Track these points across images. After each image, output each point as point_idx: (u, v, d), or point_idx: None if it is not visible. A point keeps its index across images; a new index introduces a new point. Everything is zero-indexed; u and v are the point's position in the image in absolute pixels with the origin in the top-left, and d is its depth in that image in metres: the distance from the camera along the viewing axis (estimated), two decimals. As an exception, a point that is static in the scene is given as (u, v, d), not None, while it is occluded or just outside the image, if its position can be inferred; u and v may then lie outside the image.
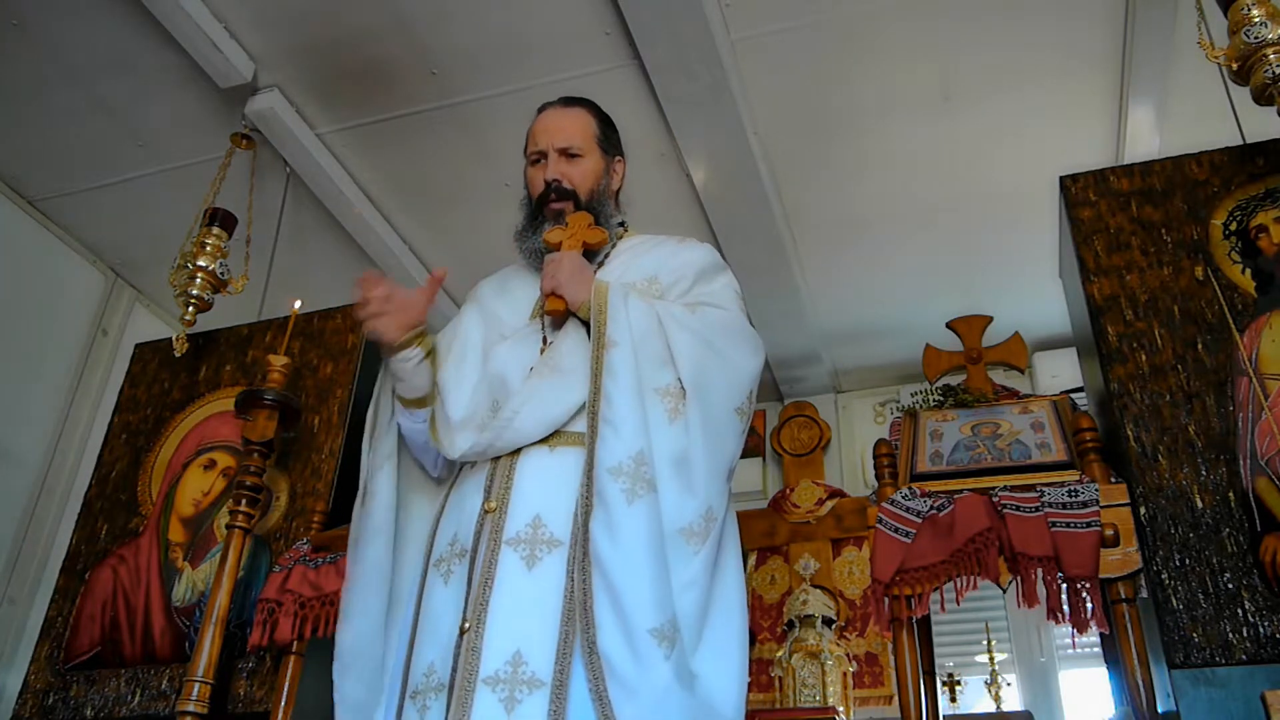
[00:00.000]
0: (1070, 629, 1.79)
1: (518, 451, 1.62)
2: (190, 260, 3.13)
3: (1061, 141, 3.50)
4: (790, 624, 3.00)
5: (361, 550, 1.74)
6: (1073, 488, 1.90)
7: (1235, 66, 2.04)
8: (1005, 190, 3.76)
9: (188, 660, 2.52)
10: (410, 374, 1.76)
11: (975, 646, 4.22)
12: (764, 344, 1.77)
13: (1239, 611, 1.75)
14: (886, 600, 1.95)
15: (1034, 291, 4.10)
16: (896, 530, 1.98)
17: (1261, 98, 2.00)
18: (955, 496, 1.98)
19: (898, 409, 4.71)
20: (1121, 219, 2.24)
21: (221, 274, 3.16)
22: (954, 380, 2.56)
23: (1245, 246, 2.11)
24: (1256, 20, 1.99)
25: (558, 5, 3.08)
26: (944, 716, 3.34)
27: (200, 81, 3.34)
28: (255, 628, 2.41)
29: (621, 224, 1.94)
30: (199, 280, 3.12)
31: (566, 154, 1.87)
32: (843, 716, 2.76)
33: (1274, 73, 1.95)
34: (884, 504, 2.02)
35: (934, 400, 2.47)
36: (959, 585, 1.90)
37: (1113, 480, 1.95)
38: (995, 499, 1.93)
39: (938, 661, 2.51)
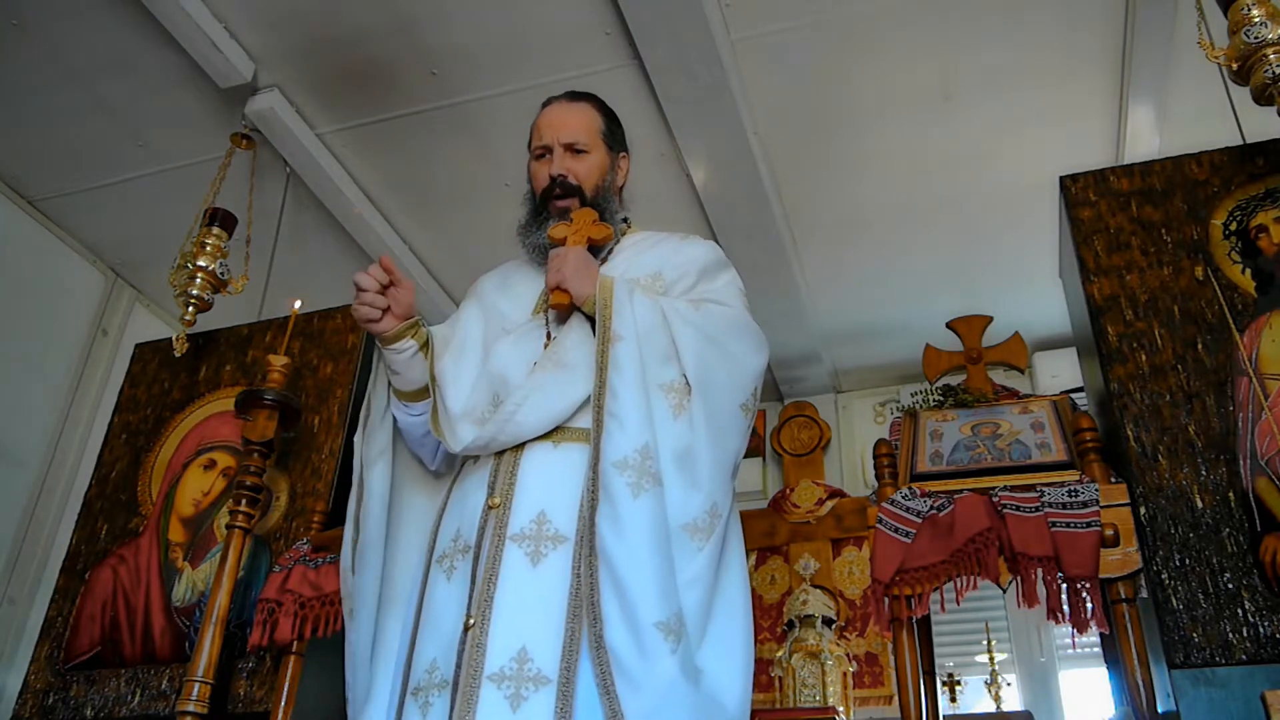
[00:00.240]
0: (1070, 629, 1.79)
1: (521, 447, 1.62)
2: (190, 260, 3.13)
3: (1061, 141, 3.50)
4: (790, 624, 3.00)
5: (362, 545, 1.74)
6: (1073, 488, 1.90)
7: (1235, 66, 2.04)
8: (1005, 190, 3.76)
9: (188, 660, 2.52)
10: (405, 366, 1.76)
11: (975, 646, 4.22)
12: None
13: (1239, 611, 1.75)
14: (886, 600, 1.95)
15: (1034, 291, 4.10)
16: (896, 530, 1.98)
17: (1261, 98, 2.00)
18: (955, 496, 1.98)
19: (898, 409, 4.71)
20: (1121, 219, 2.24)
21: (221, 274, 3.16)
22: (954, 380, 2.56)
23: (1245, 246, 2.11)
24: (1256, 20, 1.99)
25: (558, 5, 3.08)
26: (944, 716, 3.34)
27: (200, 81, 3.34)
28: (255, 628, 2.41)
29: (625, 220, 1.94)
30: (199, 280, 3.11)
31: (571, 149, 1.86)
32: (843, 716, 2.75)
33: (1274, 73, 1.95)
34: (884, 504, 2.02)
35: (934, 400, 2.47)
36: (959, 585, 1.90)
37: (1113, 480, 1.95)
38: (995, 499, 1.93)
39: (938, 661, 2.51)
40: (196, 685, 2.27)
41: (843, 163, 3.68)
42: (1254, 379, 1.93)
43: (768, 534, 3.16)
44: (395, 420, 1.81)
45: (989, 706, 3.90)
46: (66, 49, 3.31)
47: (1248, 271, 2.07)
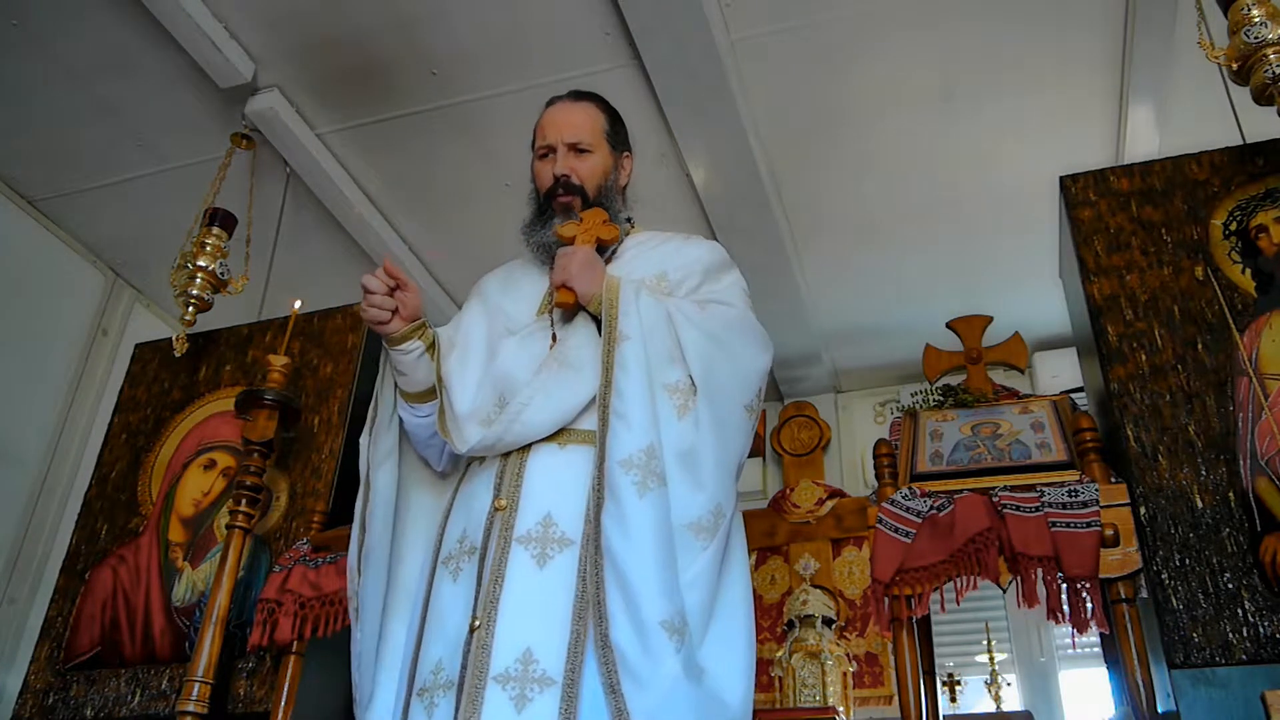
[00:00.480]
0: (1070, 629, 1.79)
1: (527, 449, 1.62)
2: (190, 260, 3.13)
3: (1061, 141, 3.49)
4: (790, 624, 3.00)
5: (368, 546, 1.74)
6: (1073, 488, 1.90)
7: (1235, 66, 2.04)
8: (1005, 190, 3.76)
9: (188, 660, 2.52)
10: (411, 367, 1.76)
11: (975, 646, 4.22)
12: (768, 342, 1.78)
13: (1239, 611, 1.75)
14: (886, 600, 1.95)
15: (1034, 291, 4.10)
16: (896, 530, 1.98)
17: (1261, 98, 2.00)
18: (955, 496, 1.98)
19: (898, 409, 4.71)
20: (1121, 219, 2.24)
21: (221, 274, 3.16)
22: (954, 380, 2.56)
23: (1245, 246, 2.11)
24: (1256, 20, 1.99)
25: (558, 6, 3.08)
26: (944, 716, 3.34)
27: (200, 81, 3.35)
28: (255, 628, 2.41)
29: (629, 220, 1.94)
30: (199, 280, 3.11)
31: (575, 149, 1.86)
32: (843, 716, 2.75)
33: (1274, 73, 1.95)
34: (884, 504, 2.02)
35: (934, 400, 2.47)
36: (959, 585, 1.90)
37: (1113, 480, 1.95)
38: (995, 499, 1.93)
39: (938, 661, 2.51)
40: (196, 685, 2.27)
41: (843, 163, 3.68)
42: (1254, 379, 1.93)
43: (768, 534, 3.16)
44: (401, 422, 1.81)
45: (989, 706, 3.90)
46: (66, 49, 3.31)
47: (1248, 271, 2.07)
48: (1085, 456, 2.01)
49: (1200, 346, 2.02)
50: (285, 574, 2.47)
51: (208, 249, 3.15)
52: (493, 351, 1.77)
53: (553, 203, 1.84)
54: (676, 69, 3.16)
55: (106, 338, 4.28)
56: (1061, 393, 2.71)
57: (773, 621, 3.13)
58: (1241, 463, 1.87)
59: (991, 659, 3.95)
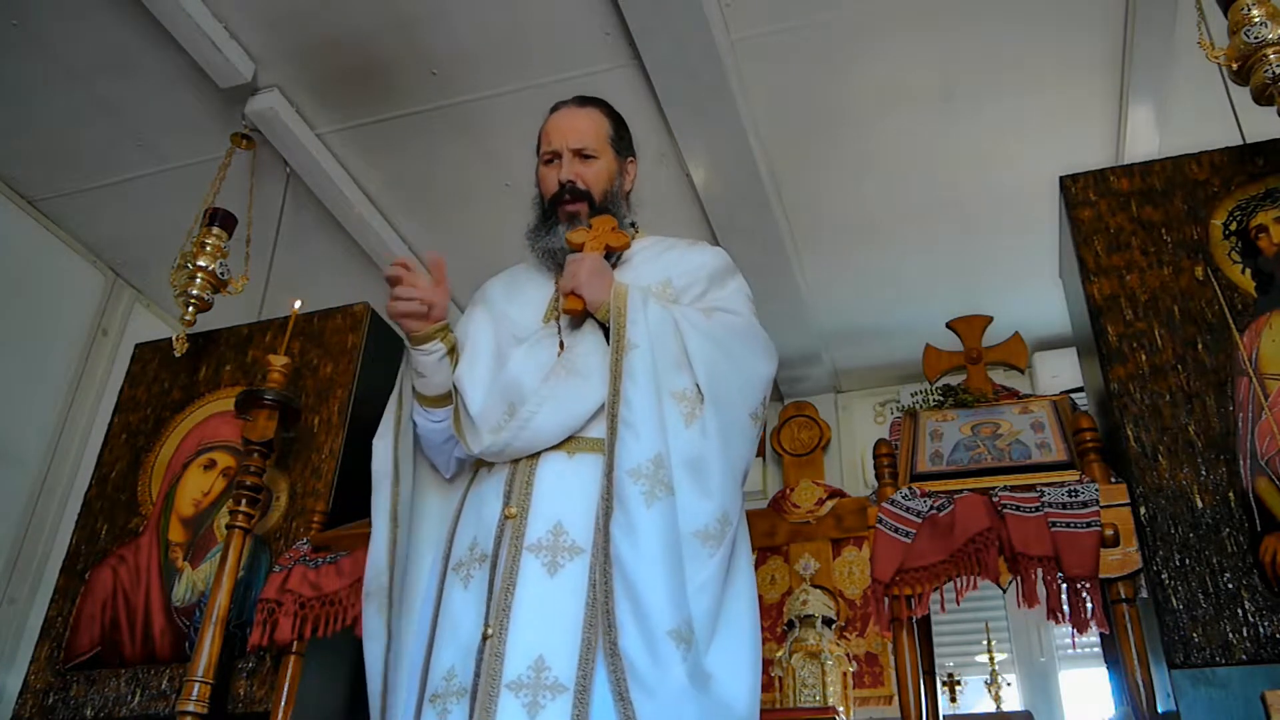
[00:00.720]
0: (1070, 629, 1.79)
1: (536, 457, 1.64)
2: (190, 260, 3.13)
3: (1061, 141, 3.50)
4: (790, 624, 3.00)
5: (401, 542, 1.74)
6: (1073, 488, 1.90)
7: (1235, 66, 2.04)
8: (1005, 190, 3.76)
9: (188, 660, 2.52)
10: (432, 369, 1.77)
11: (975, 646, 4.22)
12: (771, 346, 1.78)
13: (1239, 611, 1.75)
14: (886, 600, 1.95)
15: (1034, 291, 4.10)
16: (896, 530, 1.98)
17: (1261, 98, 2.00)
18: (955, 496, 1.98)
19: (898, 409, 4.71)
20: (1121, 219, 2.24)
21: (221, 274, 3.16)
22: (954, 380, 2.56)
23: (1245, 246, 2.11)
24: (1256, 20, 1.99)
25: (558, 6, 3.08)
26: (944, 716, 3.34)
27: (200, 81, 3.35)
28: (255, 628, 2.41)
29: (633, 224, 1.95)
30: (199, 280, 3.11)
31: (581, 155, 1.87)
32: (843, 716, 2.75)
33: (1274, 73, 1.95)
34: (884, 504, 2.02)
35: (934, 400, 2.47)
36: (959, 585, 1.90)
37: (1113, 480, 1.95)
38: (995, 499, 1.93)
39: (938, 661, 2.51)
40: (196, 685, 2.27)
41: (843, 163, 3.68)
42: (1254, 379, 1.93)
43: (768, 534, 3.15)
44: (415, 426, 1.82)
45: (989, 706, 3.90)
46: (66, 49, 3.31)
47: (1248, 271, 2.07)
48: (1085, 456, 2.01)
49: (1200, 346, 2.02)
50: (285, 574, 2.47)
51: (208, 249, 3.15)
52: (501, 359, 1.77)
53: (558, 209, 1.85)
54: (676, 69, 3.16)
55: (106, 338, 4.28)
56: (1061, 393, 2.71)
57: (773, 621, 3.12)
58: (1241, 463, 1.87)
59: (991, 659, 3.95)
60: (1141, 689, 1.75)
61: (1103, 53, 3.21)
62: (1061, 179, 2.36)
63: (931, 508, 1.97)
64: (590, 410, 1.63)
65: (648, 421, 1.55)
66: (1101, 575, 1.81)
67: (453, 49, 3.26)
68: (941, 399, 2.46)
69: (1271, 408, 1.89)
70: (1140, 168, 2.30)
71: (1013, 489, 1.95)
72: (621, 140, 1.95)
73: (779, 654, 2.95)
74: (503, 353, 1.78)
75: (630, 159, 1.97)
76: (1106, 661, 2.72)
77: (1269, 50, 1.96)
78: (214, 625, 2.33)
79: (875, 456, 2.20)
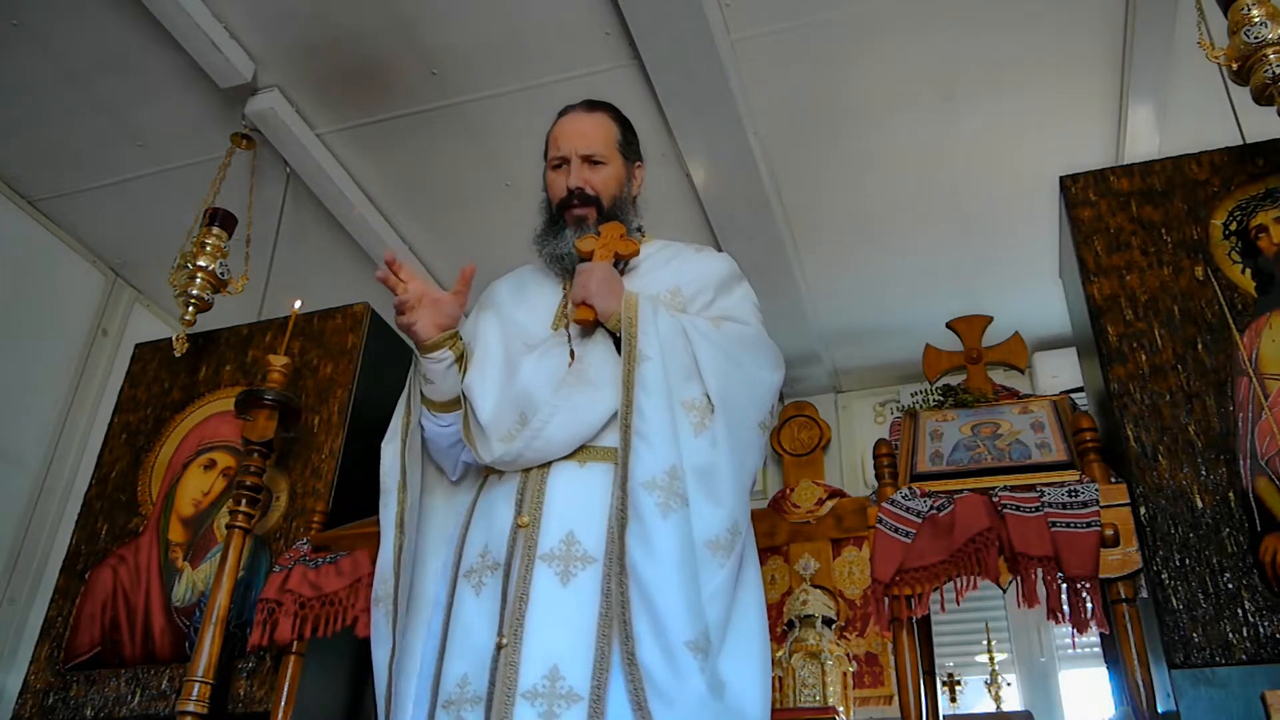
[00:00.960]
0: (1070, 629, 1.79)
1: (547, 466, 1.64)
2: (190, 260, 3.13)
3: (1061, 141, 3.49)
4: (790, 624, 3.00)
5: (407, 548, 1.74)
6: (1073, 488, 1.90)
7: (1235, 66, 2.04)
8: (1005, 190, 3.76)
9: (188, 660, 2.52)
10: (441, 376, 1.77)
11: (975, 646, 4.22)
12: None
13: (1239, 611, 1.75)
14: (886, 600, 1.95)
15: (1034, 291, 4.10)
16: (896, 530, 1.98)
17: (1261, 98, 2.00)
18: (955, 496, 1.97)
19: (898, 409, 4.72)
20: (1121, 219, 2.24)
21: (221, 274, 3.16)
22: (954, 380, 2.56)
23: (1245, 246, 2.11)
24: (1256, 20, 1.99)
25: (558, 6, 3.08)
26: (944, 716, 3.34)
27: (200, 81, 3.35)
28: (255, 628, 2.40)
29: (639, 229, 1.95)
30: (199, 280, 3.11)
31: (589, 160, 1.87)
32: (843, 716, 2.75)
33: (1274, 73, 1.95)
34: (884, 504, 2.02)
35: (934, 400, 2.47)
36: (959, 585, 1.90)
37: (1113, 480, 1.95)
38: (995, 499, 1.93)
39: (938, 661, 2.51)
40: (196, 685, 2.27)
41: (843, 163, 3.68)
42: (1254, 379, 1.93)
43: (768, 534, 3.15)
44: (422, 429, 1.82)
45: (989, 706, 3.90)
46: (66, 49, 3.31)
47: (1248, 271, 2.07)
48: (1085, 456, 2.01)
49: (1200, 346, 2.02)
50: (285, 574, 2.47)
51: (208, 249, 3.15)
52: (511, 367, 1.77)
53: (566, 214, 1.85)
54: (676, 69, 3.16)
55: (106, 338, 4.28)
56: (1061, 393, 2.71)
57: (773, 621, 3.12)
58: (1241, 463, 1.87)
59: (991, 659, 3.95)
60: (1141, 689, 1.75)
61: (1102, 52, 3.21)
62: (1061, 179, 2.36)
63: (931, 508, 1.97)
64: (602, 420, 1.64)
65: (661, 432, 1.56)
66: (1101, 575, 1.81)
67: (453, 49, 3.26)
68: (941, 399, 2.46)
69: (1271, 408, 1.89)
70: (1140, 168, 2.30)
71: (1013, 489, 1.95)
72: (629, 145, 1.95)
73: (779, 654, 2.95)
74: (513, 361, 1.78)
75: (638, 163, 1.98)
76: (1106, 661, 2.72)
77: (1269, 50, 1.96)
78: (214, 625, 2.33)
79: (875, 456, 2.20)
